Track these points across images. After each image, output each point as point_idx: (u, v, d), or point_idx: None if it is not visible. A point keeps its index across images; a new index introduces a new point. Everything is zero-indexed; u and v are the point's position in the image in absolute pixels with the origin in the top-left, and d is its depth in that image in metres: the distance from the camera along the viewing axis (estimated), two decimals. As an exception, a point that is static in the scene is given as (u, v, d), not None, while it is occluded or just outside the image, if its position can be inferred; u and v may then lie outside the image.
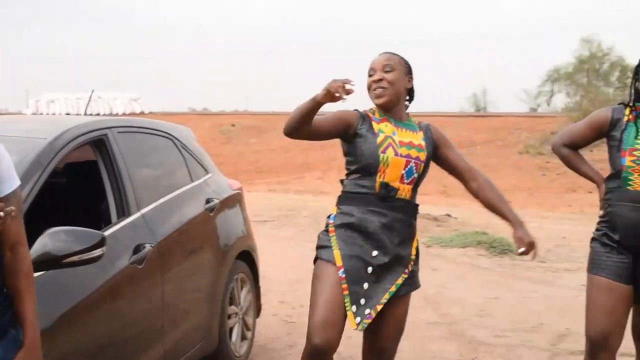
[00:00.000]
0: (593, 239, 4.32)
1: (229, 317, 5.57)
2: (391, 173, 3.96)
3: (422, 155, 4.02)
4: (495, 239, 11.74)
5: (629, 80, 4.31)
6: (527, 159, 28.19)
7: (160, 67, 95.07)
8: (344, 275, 3.90)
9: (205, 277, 5.13)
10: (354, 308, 3.89)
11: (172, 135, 5.43)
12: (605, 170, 4.34)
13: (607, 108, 4.36)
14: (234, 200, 5.98)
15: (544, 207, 19.73)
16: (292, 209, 15.63)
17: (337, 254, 3.95)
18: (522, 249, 4.08)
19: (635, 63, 4.25)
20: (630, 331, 4.46)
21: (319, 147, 28.69)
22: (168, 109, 41.97)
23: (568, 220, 15.75)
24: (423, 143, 4.06)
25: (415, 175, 4.00)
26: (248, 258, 6.02)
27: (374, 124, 4.04)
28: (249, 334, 5.98)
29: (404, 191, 4.00)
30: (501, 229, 13.55)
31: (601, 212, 4.28)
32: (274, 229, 13.71)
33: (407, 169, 3.98)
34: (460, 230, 13.03)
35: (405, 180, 3.98)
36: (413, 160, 3.99)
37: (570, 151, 4.49)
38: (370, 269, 3.94)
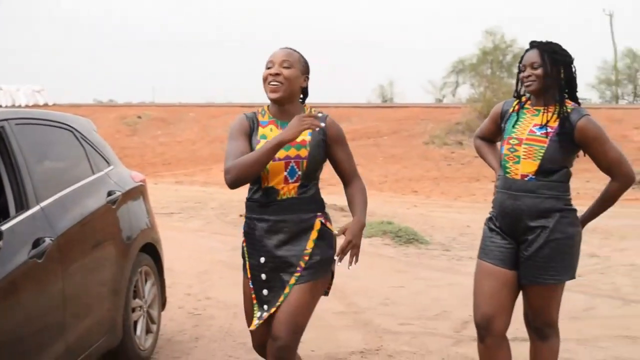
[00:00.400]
0: (484, 226, 4.49)
1: (133, 310, 5.52)
2: (273, 178, 3.96)
3: (303, 152, 3.95)
4: (400, 229, 11.87)
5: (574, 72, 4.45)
6: (433, 149, 28.59)
7: (65, 59, 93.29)
8: (252, 286, 4.05)
9: (108, 271, 5.06)
10: (258, 314, 4.03)
11: (72, 127, 5.33)
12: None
13: (503, 101, 4.59)
14: (137, 193, 5.91)
15: (449, 196, 20.02)
16: (199, 201, 15.52)
17: (247, 265, 4.09)
18: (338, 232, 4.01)
19: None
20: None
21: (226, 139, 28.61)
22: (73, 100, 41.28)
23: (472, 209, 16.01)
24: (307, 138, 3.98)
25: (300, 173, 3.96)
26: (152, 251, 5.96)
27: (260, 129, 4.04)
28: (154, 327, 5.93)
29: (288, 191, 3.97)
30: (406, 219, 13.74)
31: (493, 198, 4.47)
32: (180, 221, 13.61)
33: (288, 170, 3.96)
34: (366, 220, 13.11)
35: (289, 181, 3.97)
36: (292, 160, 3.94)
37: (481, 142, 4.72)
38: (263, 276, 4.01)
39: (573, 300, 7.98)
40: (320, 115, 4.06)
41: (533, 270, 4.26)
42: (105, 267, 5.02)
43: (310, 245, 3.97)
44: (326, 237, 4.05)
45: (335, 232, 4.05)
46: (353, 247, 3.95)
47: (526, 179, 4.23)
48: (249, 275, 4.07)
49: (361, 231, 4.00)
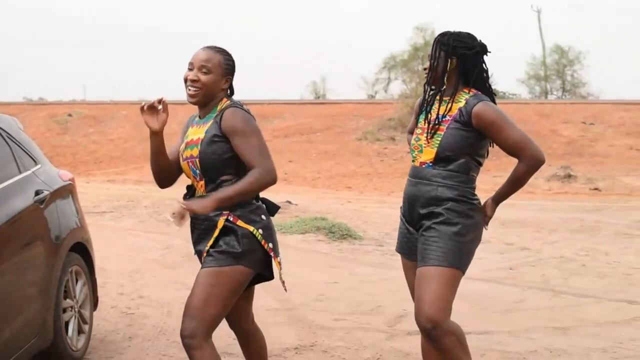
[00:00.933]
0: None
1: (64, 310, 5.44)
2: (189, 177, 4.13)
3: (195, 151, 3.98)
4: (334, 224, 11.90)
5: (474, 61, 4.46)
6: (366, 145, 28.73)
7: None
8: None
9: (37, 271, 4.98)
10: None
11: (-2, 126, 5.24)
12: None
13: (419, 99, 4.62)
14: (66, 192, 5.83)
15: (382, 192, 20.14)
16: (132, 199, 15.39)
17: None
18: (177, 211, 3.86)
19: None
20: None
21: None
22: (1, 99, 40.57)
23: (405, 204, 16.08)
24: (202, 136, 4.00)
25: (198, 171, 4.02)
26: (83, 250, 5.88)
27: (189, 129, 4.17)
28: (86, 327, 5.85)
29: (199, 188, 4.07)
30: (340, 215, 13.79)
31: None
32: (112, 220, 13.47)
33: (192, 169, 4.06)
34: (300, 216, 13.14)
35: (197, 179, 4.07)
36: (189, 160, 4.04)
37: (411, 136, 4.63)
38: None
39: (504, 293, 8.11)
40: (224, 109, 4.00)
41: (421, 252, 4.21)
42: (34, 267, 4.94)
43: (210, 243, 4.00)
44: (231, 233, 3.97)
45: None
46: (183, 207, 3.79)
47: (424, 166, 4.26)
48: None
49: (209, 202, 3.80)
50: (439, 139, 4.23)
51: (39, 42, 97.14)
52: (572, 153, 26.04)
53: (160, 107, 3.97)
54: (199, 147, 3.98)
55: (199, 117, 4.14)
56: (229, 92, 4.15)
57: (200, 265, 4.07)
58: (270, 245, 4.09)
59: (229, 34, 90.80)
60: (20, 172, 5.23)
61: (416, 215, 4.28)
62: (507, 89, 47.35)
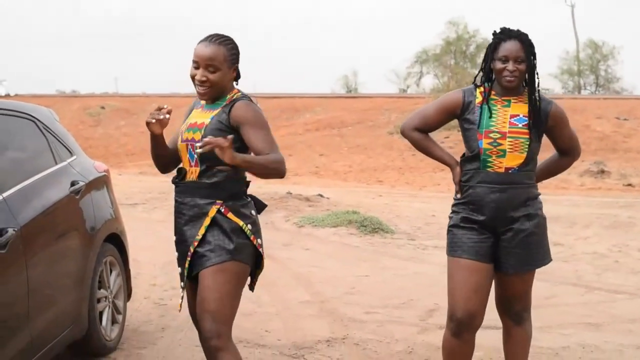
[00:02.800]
0: (452, 224, 4.39)
1: (99, 301, 5.49)
2: (184, 159, 4.04)
3: (197, 136, 3.92)
4: (366, 218, 11.89)
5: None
6: (397, 139, 28.54)
7: (27, 50, 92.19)
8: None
9: (73, 261, 5.02)
10: (182, 292, 4.15)
11: (33, 117, 5.27)
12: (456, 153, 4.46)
13: (458, 90, 4.45)
14: (101, 183, 5.87)
15: (414, 186, 20.10)
16: (163, 191, 15.44)
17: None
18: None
19: None
20: (495, 306, 4.59)
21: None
22: (35, 91, 40.84)
23: (437, 199, 16.08)
24: (207, 122, 3.94)
25: (196, 157, 3.93)
26: (117, 241, 5.93)
27: (193, 112, 4.13)
28: (119, 318, 5.90)
29: (191, 174, 3.98)
30: (371, 208, 13.77)
31: (458, 195, 4.37)
32: (144, 212, 13.56)
33: (188, 152, 3.98)
34: (332, 210, 13.14)
35: (191, 164, 3.98)
36: (189, 143, 3.96)
37: (422, 135, 4.49)
38: (177, 254, 4.11)
39: (536, 288, 7.98)
40: (235, 100, 3.98)
41: (520, 258, 4.27)
42: (69, 257, 4.98)
43: (201, 231, 3.93)
44: (224, 226, 3.93)
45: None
46: (212, 141, 3.66)
47: (510, 171, 4.21)
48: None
49: (238, 157, 3.70)
50: (527, 143, 4.20)
51: (71, 35, 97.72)
52: (605, 149, 25.79)
53: (168, 117, 3.95)
54: (202, 131, 3.92)
55: (206, 102, 4.06)
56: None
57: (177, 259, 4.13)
58: (259, 241, 4.04)
59: (257, 26, 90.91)
60: (56, 163, 5.27)
61: (506, 219, 4.24)
62: (540, 84, 47.13)
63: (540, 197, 4.37)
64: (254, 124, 3.90)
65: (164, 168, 4.25)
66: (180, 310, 4.26)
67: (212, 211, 3.92)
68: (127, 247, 6.15)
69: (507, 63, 4.18)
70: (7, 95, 38.17)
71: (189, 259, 3.97)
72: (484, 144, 4.22)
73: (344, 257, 9.83)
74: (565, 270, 9.11)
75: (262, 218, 11.44)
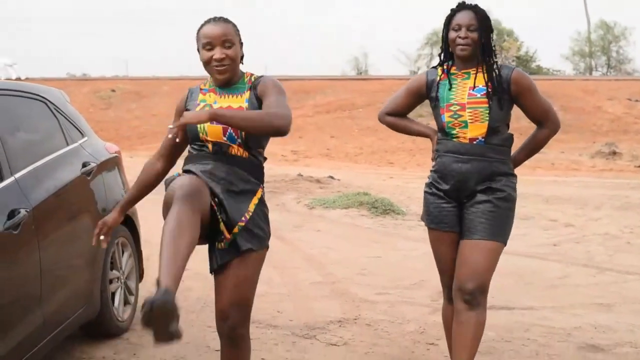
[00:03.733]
0: (425, 191, 4.48)
1: (111, 282, 5.50)
2: (216, 140, 3.83)
3: None
4: (377, 200, 11.91)
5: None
6: (408, 121, 28.60)
7: (36, 32, 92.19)
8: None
9: (85, 242, 5.01)
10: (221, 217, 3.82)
11: (45, 98, 5.27)
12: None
13: (423, 72, 4.54)
14: (112, 164, 5.88)
15: (425, 168, 20.02)
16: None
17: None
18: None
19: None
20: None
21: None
22: (46, 74, 40.91)
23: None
24: (245, 105, 3.87)
25: (239, 140, 3.82)
26: (129, 222, 5.94)
27: (200, 96, 3.99)
28: (132, 299, 5.92)
29: (238, 151, 3.85)
30: (382, 190, 13.78)
31: (433, 163, 4.43)
32: (156, 194, 13.47)
33: (227, 135, 3.82)
34: (342, 191, 13.15)
35: (234, 143, 3.84)
36: (230, 127, 3.79)
37: (395, 117, 4.61)
38: (218, 191, 3.84)
39: (548, 269, 8.06)
40: (256, 81, 3.95)
41: (477, 225, 4.22)
42: (81, 238, 4.98)
43: (251, 207, 3.82)
44: (263, 210, 3.91)
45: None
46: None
47: (475, 142, 4.22)
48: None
49: (204, 114, 3.56)
50: (487, 112, 4.19)
51: (81, 17, 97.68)
52: (616, 130, 25.73)
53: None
54: None
55: (219, 86, 3.96)
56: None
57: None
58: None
59: (264, 10, 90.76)
60: (67, 144, 5.28)
61: (468, 191, 4.26)
62: (551, 65, 46.98)
63: (512, 177, 4.30)
64: (271, 89, 3.86)
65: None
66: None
67: (259, 192, 3.89)
68: (138, 228, 6.16)
69: (460, 31, 4.23)
70: (18, 79, 38.21)
71: (242, 224, 3.77)
72: (446, 117, 4.27)
73: (355, 238, 9.84)
74: (576, 251, 9.11)
75: (273, 200, 11.54)
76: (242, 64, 4.06)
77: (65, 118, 5.44)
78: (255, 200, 3.85)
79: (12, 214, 4.04)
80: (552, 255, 8.84)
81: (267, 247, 3.92)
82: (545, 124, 4.37)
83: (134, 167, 16.31)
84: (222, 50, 3.85)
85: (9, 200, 4.13)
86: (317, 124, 28.60)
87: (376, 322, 6.07)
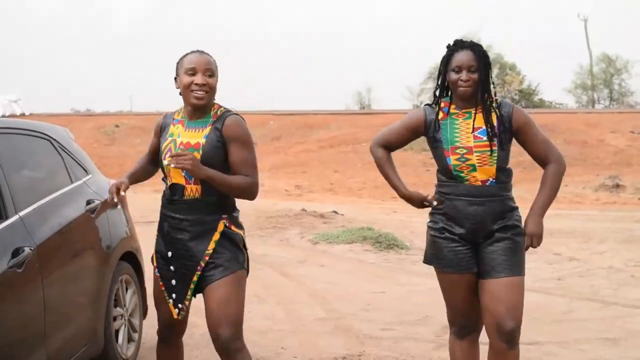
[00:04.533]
0: (433, 235, 4.44)
1: (115, 319, 5.50)
2: (175, 176, 4.14)
3: (197, 155, 4.03)
4: (380, 234, 11.90)
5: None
6: (411, 155, 28.57)
7: (41, 68, 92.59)
8: (158, 274, 4.29)
9: (89, 279, 5.04)
10: (170, 301, 4.27)
11: (49, 136, 5.30)
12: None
13: (421, 108, 4.52)
14: (117, 201, 5.89)
15: (428, 202, 20.03)
16: (179, 209, 15.49)
17: (153, 253, 4.35)
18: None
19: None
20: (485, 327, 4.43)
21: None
22: (50, 110, 41.01)
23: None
24: (202, 141, 4.10)
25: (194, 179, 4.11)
26: (133, 259, 5.95)
27: (170, 128, 4.25)
28: (135, 336, 5.92)
29: (192, 191, 4.13)
30: (386, 225, 13.77)
31: (435, 203, 4.38)
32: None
33: (184, 172, 4.08)
34: (346, 226, 13.14)
35: (190, 181, 4.11)
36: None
37: (384, 155, 4.60)
38: (172, 267, 4.21)
39: (553, 304, 8.03)
40: (222, 115, 4.17)
41: (501, 264, 4.23)
42: (85, 276, 5.00)
43: (212, 246, 4.12)
44: (231, 238, 4.18)
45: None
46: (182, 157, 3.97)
47: (487, 183, 4.22)
48: (155, 264, 4.32)
49: (203, 172, 3.99)
50: (495, 155, 4.20)
51: (84, 53, 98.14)
52: (620, 163, 25.72)
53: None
54: (200, 151, 4.07)
55: (187, 118, 4.20)
56: None
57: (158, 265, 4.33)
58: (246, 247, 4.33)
59: (274, 43, 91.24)
60: (71, 182, 5.30)
61: (485, 232, 4.26)
62: (553, 99, 47.03)
63: (517, 210, 4.33)
64: (243, 143, 4.14)
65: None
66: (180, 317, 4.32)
67: (221, 226, 4.15)
68: (142, 265, 6.17)
69: (461, 73, 4.22)
70: (23, 115, 38.33)
71: (198, 273, 4.12)
72: (452, 160, 4.26)
73: (359, 273, 9.82)
74: (581, 285, 9.09)
75: (277, 235, 11.53)
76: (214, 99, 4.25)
77: (70, 155, 5.47)
78: (215, 237, 4.13)
79: (16, 252, 4.05)
80: (557, 289, 8.81)
81: (243, 268, 4.21)
82: (551, 158, 4.32)
83: (138, 203, 16.33)
84: (203, 77, 4.09)
85: (14, 239, 4.14)
86: (320, 158, 28.63)
87: (381, 359, 6.06)
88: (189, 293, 4.19)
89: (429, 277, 9.46)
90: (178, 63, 4.19)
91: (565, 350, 6.30)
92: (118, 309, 5.58)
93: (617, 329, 7.03)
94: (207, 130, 4.11)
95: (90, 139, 33.71)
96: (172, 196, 4.17)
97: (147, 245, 6.43)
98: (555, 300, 8.24)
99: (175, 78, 4.19)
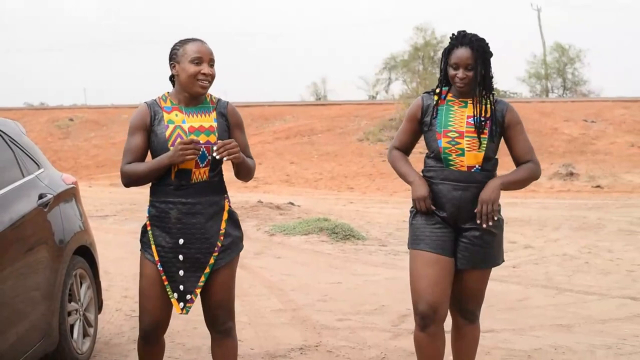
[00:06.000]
0: (414, 216, 4.54)
1: (69, 314, 5.44)
2: (185, 163, 4.11)
3: (212, 138, 4.14)
4: (337, 225, 11.91)
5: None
6: (367, 145, 28.70)
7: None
8: (161, 269, 4.20)
9: (42, 274, 4.98)
10: (175, 295, 4.21)
11: (0, 130, 5.23)
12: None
13: (419, 97, 4.62)
14: (69, 195, 5.83)
15: (385, 192, 20.16)
16: (134, 202, 15.41)
17: (154, 249, 4.23)
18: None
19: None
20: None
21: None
22: (3, 104, 40.58)
23: (408, 204, 15.97)
24: (215, 124, 4.20)
25: (209, 157, 4.14)
26: (87, 253, 5.89)
27: (165, 115, 4.19)
28: (91, 330, 5.85)
29: (200, 175, 4.16)
30: (342, 215, 13.80)
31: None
32: (115, 224, 13.50)
33: (202, 155, 4.12)
34: (303, 217, 13.15)
35: (200, 165, 4.14)
36: (203, 145, 4.10)
37: (398, 152, 4.68)
38: (181, 257, 4.18)
39: (508, 292, 8.11)
40: (219, 102, 4.31)
41: (476, 255, 4.40)
42: (38, 270, 4.94)
43: (223, 225, 4.23)
44: (234, 217, 4.33)
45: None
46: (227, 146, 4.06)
47: (472, 170, 4.33)
48: (157, 259, 4.20)
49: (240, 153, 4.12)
50: (485, 142, 4.32)
51: (38, 46, 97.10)
52: (573, 151, 26.02)
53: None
54: (216, 134, 4.16)
55: (183, 105, 4.20)
56: None
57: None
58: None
59: (230, 34, 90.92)
60: (23, 176, 5.23)
61: (466, 216, 4.37)
62: (508, 88, 47.22)
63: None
64: (242, 128, 4.39)
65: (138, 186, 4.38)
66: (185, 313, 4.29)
67: (226, 205, 4.28)
68: (97, 259, 6.11)
69: (458, 70, 4.33)
70: (-26, 109, 37.88)
71: (215, 254, 4.19)
72: (443, 143, 4.36)
73: (316, 264, 9.84)
74: (536, 272, 9.18)
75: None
76: None
77: (21, 149, 5.40)
78: (225, 216, 4.25)
79: (-33, 248, 4.00)
80: (512, 277, 8.89)
81: (242, 248, 4.36)
82: (530, 160, 4.46)
83: (93, 197, 16.23)
84: (208, 67, 4.15)
85: (-36, 234, 4.08)
86: (276, 150, 28.61)
87: (337, 349, 6.06)
88: (203, 279, 4.19)
89: (385, 267, 9.54)
90: (177, 50, 4.17)
91: (520, 337, 6.36)
92: (73, 303, 5.52)
93: (571, 315, 7.11)
94: (213, 114, 4.22)
95: (44, 132, 33.43)
96: (180, 182, 4.14)
97: (101, 239, 6.40)
98: (511, 288, 8.32)
99: (173, 64, 4.19)
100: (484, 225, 4.31)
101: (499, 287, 8.25)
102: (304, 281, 8.69)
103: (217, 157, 4.04)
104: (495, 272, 8.89)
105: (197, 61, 4.12)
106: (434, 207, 4.41)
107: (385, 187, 21.07)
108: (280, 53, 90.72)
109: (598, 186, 20.02)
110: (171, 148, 4.07)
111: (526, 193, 17.96)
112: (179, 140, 4.06)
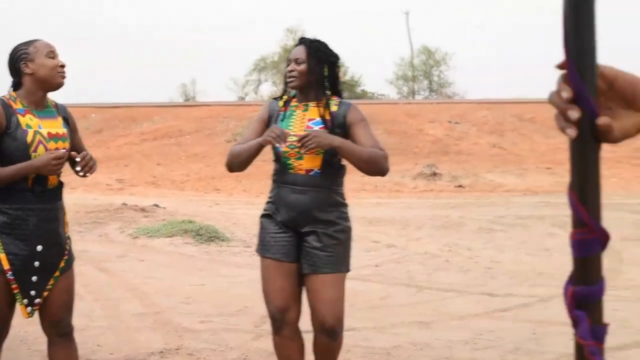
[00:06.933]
0: (261, 221, 4.55)
1: None
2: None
3: (67, 145, 4.13)
4: (201, 227, 11.86)
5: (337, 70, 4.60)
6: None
7: None
8: (12, 277, 4.02)
9: None
10: (25, 302, 4.09)
11: None
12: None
13: (266, 103, 4.69)
14: None
15: (251, 193, 20.13)
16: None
17: (3, 257, 4.00)
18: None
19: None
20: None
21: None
22: None
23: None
24: (65, 130, 4.18)
25: (73, 169, 4.15)
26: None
27: (20, 118, 4.02)
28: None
29: (54, 180, 4.10)
30: (208, 217, 13.74)
31: (270, 192, 4.53)
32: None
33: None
34: (168, 220, 13.02)
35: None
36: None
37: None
38: (37, 263, 4.06)
39: (370, 290, 8.22)
40: (59, 105, 4.27)
41: (316, 259, 4.33)
42: None
43: (67, 229, 4.27)
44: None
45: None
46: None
47: (311, 173, 4.32)
48: (7, 267, 3.98)
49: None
50: None
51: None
52: (437, 152, 26.57)
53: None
54: (67, 140, 4.16)
55: (33, 107, 4.09)
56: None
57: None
58: None
59: (96, 35, 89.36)
60: None
61: (306, 221, 4.34)
62: (376, 90, 48.16)
63: (344, 207, 4.45)
64: (76, 129, 4.41)
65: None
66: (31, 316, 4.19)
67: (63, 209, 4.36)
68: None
69: (289, 65, 4.42)
70: None
71: (65, 257, 4.21)
72: (283, 147, 4.33)
73: (180, 266, 9.76)
74: (398, 271, 9.35)
75: (95, 231, 11.28)
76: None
77: None
78: (66, 219, 4.29)
79: None
80: (374, 276, 9.02)
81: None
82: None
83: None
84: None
85: None
86: (143, 151, 28.24)
87: (198, 351, 6.02)
88: (52, 282, 4.14)
89: (249, 269, 9.52)
90: (26, 50, 4.05)
91: (381, 335, 6.46)
92: None
93: (431, 312, 7.27)
94: (60, 119, 4.19)
95: None
96: (38, 187, 4.02)
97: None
98: (373, 286, 8.44)
99: (24, 65, 4.03)
100: None
101: (361, 286, 8.36)
102: (168, 284, 8.61)
103: (81, 174, 4.06)
104: (357, 271, 9.04)
105: (52, 55, 4.08)
106: (288, 131, 4.28)
107: (252, 188, 21.05)
108: (151, 53, 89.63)
109: (460, 186, 20.52)
110: (33, 154, 3.95)
111: (390, 193, 18.29)
112: (42, 148, 3.97)
